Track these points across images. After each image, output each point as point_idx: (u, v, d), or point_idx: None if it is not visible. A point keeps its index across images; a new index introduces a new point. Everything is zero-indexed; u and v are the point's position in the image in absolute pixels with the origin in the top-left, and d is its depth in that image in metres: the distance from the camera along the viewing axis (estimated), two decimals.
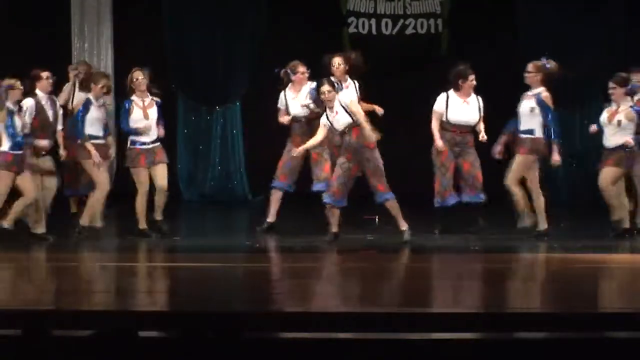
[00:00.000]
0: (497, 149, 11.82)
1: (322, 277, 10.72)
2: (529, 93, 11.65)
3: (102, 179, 11.59)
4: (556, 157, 11.67)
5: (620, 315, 8.50)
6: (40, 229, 11.53)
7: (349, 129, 11.30)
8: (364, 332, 7.98)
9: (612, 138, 11.60)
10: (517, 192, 11.66)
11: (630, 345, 7.37)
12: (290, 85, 12.15)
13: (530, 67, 11.63)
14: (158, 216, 11.82)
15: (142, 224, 11.75)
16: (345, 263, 11.17)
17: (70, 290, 9.76)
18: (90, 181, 11.84)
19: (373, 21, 14.76)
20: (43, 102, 11.67)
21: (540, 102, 11.60)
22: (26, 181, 11.24)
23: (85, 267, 11.15)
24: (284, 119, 12.10)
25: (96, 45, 14.85)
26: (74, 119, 11.78)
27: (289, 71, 12.13)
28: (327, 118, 11.43)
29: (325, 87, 11.38)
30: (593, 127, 11.83)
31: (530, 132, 11.62)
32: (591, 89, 13.74)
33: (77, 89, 12.53)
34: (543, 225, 11.71)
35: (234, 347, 6.21)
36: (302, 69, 12.13)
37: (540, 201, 11.65)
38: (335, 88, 11.51)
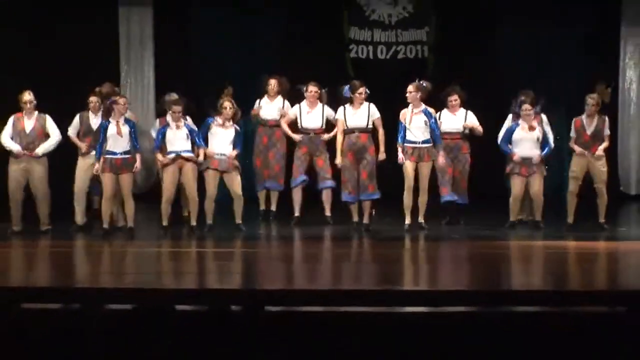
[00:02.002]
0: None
1: (329, 260, 10.77)
2: (416, 110, 11.63)
3: (166, 184, 11.66)
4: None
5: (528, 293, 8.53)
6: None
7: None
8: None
9: (531, 151, 11.69)
10: None
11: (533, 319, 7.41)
12: (305, 100, 12.26)
13: (411, 87, 11.64)
14: (238, 219, 11.76)
15: (209, 219, 11.71)
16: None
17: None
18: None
19: (370, 48, 14.84)
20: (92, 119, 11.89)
21: (429, 115, 11.66)
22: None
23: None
24: (295, 136, 12.23)
25: (139, 68, 14.93)
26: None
27: (301, 87, 12.29)
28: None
29: (363, 88, 11.69)
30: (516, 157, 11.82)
31: (428, 141, 11.68)
32: (559, 104, 13.75)
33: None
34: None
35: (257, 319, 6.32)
36: (312, 88, 12.24)
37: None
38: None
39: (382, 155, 11.69)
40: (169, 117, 11.77)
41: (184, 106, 11.65)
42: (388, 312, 7.74)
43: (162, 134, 11.65)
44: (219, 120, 11.70)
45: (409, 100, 11.68)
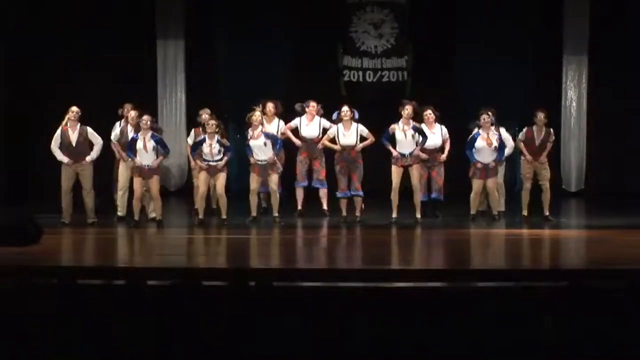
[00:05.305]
0: None
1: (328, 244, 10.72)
2: (407, 126, 11.46)
3: (200, 184, 11.49)
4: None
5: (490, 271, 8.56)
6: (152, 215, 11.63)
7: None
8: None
9: (489, 158, 11.54)
10: None
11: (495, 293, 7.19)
12: (305, 115, 12.16)
13: (409, 110, 11.47)
14: (275, 212, 11.58)
15: (253, 212, 11.54)
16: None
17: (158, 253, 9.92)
18: None
19: (360, 73, 14.66)
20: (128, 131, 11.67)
21: (416, 129, 11.53)
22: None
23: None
24: (296, 141, 12.06)
25: (173, 90, 14.78)
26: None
27: (304, 105, 12.14)
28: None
29: (346, 108, 11.60)
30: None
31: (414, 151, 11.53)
32: (511, 117, 13.66)
33: (123, 123, 11.99)
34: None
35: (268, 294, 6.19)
36: (312, 103, 12.15)
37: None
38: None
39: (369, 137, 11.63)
40: (201, 129, 11.61)
41: (216, 122, 11.51)
42: (374, 287, 7.72)
43: (200, 145, 11.45)
44: (251, 132, 11.54)
45: (405, 119, 11.52)
